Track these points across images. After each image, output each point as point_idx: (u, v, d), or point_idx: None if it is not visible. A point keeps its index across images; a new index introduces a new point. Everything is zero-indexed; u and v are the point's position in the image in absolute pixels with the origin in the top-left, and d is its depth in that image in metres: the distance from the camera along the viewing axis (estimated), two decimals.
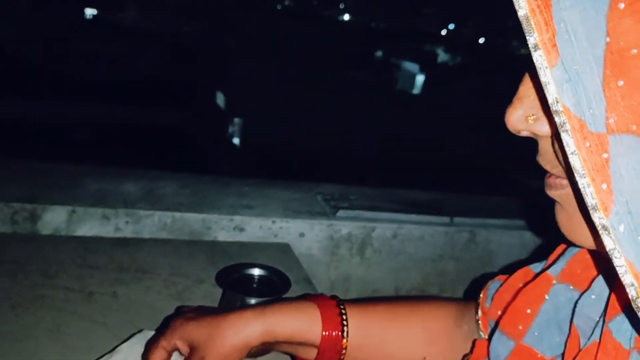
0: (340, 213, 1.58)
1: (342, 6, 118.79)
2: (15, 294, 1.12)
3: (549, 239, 1.81)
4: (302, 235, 1.53)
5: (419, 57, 54.81)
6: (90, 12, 53.15)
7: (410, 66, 33.16)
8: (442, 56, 68.95)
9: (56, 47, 39.90)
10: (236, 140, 28.32)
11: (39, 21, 41.90)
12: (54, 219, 1.36)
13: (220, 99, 29.62)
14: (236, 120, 28.49)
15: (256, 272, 1.07)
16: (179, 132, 29.85)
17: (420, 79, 31.04)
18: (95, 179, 1.54)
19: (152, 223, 1.41)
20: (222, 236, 1.48)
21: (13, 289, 1.14)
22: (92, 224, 1.38)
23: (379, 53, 62.72)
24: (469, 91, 31.06)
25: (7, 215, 1.33)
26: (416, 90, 30.88)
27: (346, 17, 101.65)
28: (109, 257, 1.28)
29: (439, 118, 30.17)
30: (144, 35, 46.38)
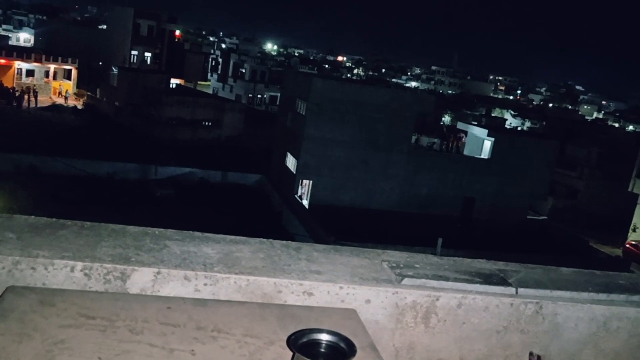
0: (406, 281, 1.62)
1: (409, 73, 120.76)
2: (104, 348, 1.24)
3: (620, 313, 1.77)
4: (368, 301, 1.58)
5: (487, 122, 54.34)
6: (174, 81, 56.79)
7: (478, 131, 32.95)
8: (511, 121, 67.92)
9: (144, 114, 42.57)
10: (305, 202, 28.73)
11: (130, 90, 45.09)
12: (141, 279, 1.49)
13: (290, 162, 30.36)
14: (305, 182, 29.02)
15: (324, 337, 1.14)
16: (253, 191, 30.69)
17: (488, 143, 30.70)
18: (178, 242, 1.68)
19: (228, 285, 1.52)
20: (292, 300, 1.56)
21: (103, 343, 1.25)
22: (175, 285, 1.50)
23: (447, 118, 62.59)
24: (539, 155, 30.36)
25: (101, 275, 1.47)
26: (484, 154, 30.51)
27: (413, 84, 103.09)
28: (189, 316, 1.38)
29: (508, 182, 29.51)
30: (223, 103, 48.83)
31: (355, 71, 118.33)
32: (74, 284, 1.45)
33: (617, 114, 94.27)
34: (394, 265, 1.72)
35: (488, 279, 1.73)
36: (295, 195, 29.00)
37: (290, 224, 25.86)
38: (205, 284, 1.51)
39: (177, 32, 67.17)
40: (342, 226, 22.56)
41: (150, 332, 1.31)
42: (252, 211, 26.99)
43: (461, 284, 1.66)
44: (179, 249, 1.63)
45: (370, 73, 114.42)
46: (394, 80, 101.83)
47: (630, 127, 76.79)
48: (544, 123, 63.17)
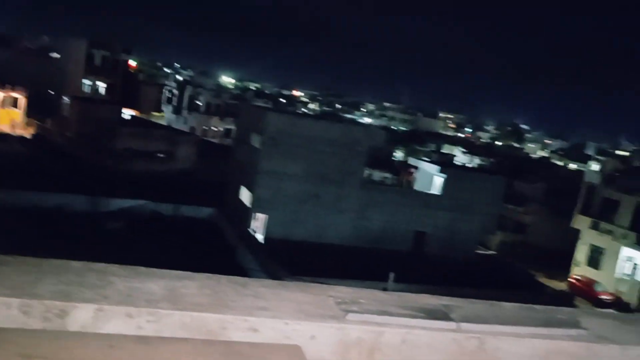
0: (350, 316, 1.64)
1: (362, 109, 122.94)
2: None
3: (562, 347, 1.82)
4: (312, 337, 1.59)
5: (438, 158, 55.60)
6: (128, 112, 56.01)
7: (429, 166, 33.66)
8: (460, 157, 69.75)
9: (96, 145, 41.56)
10: (259, 236, 28.46)
11: (81, 121, 44.04)
12: (82, 316, 1.45)
13: (244, 196, 30.13)
14: (259, 215, 28.80)
15: None
16: (205, 225, 30.18)
17: (437, 179, 31.38)
18: (123, 277, 1.65)
19: (172, 322, 1.50)
20: (237, 336, 1.55)
21: None
22: (117, 322, 1.47)
23: (399, 153, 63.64)
24: (488, 191, 31.21)
25: (39, 312, 1.43)
26: (434, 189, 31.14)
27: (367, 120, 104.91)
28: (130, 354, 1.36)
29: (458, 217, 30.14)
30: (177, 134, 48.28)
31: (311, 106, 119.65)
32: (12, 322, 1.40)
33: (561, 152, 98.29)
34: (340, 300, 1.74)
35: (431, 314, 1.76)
36: (249, 229, 28.72)
37: (244, 259, 25.54)
38: (149, 321, 1.49)
39: (133, 63, 66.51)
40: (296, 261, 22.42)
41: None
42: (205, 245, 26.51)
43: (405, 319, 1.69)
44: (123, 284, 1.60)
45: (325, 108, 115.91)
46: (347, 115, 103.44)
47: (573, 166, 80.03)
48: (492, 160, 65.13)
